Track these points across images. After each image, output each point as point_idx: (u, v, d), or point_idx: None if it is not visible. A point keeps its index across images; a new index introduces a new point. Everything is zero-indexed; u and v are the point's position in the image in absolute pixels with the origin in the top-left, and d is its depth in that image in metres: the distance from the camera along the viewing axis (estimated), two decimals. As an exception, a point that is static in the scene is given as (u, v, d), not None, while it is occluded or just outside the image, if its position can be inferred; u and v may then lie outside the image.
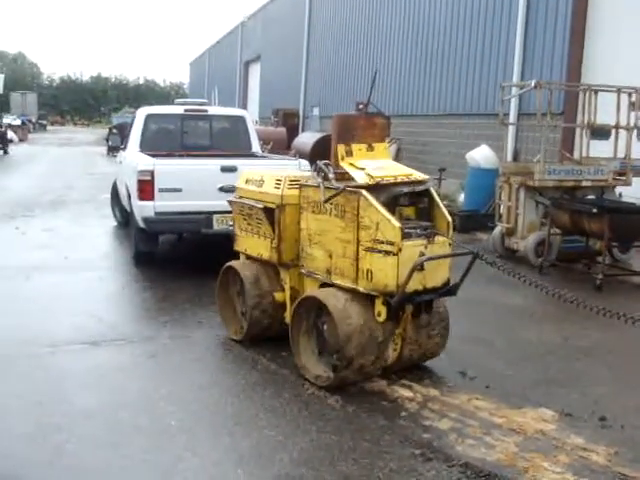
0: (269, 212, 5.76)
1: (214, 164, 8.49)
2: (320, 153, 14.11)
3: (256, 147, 10.48)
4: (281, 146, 20.94)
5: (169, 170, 8.33)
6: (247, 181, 6.22)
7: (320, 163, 5.23)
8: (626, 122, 10.38)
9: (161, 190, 8.19)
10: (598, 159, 10.62)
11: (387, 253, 4.79)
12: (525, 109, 14.27)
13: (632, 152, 10.24)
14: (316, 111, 27.16)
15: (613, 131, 10.81)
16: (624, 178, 10.28)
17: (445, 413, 4.82)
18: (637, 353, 6.24)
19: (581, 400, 5.11)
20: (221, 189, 8.32)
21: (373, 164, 5.29)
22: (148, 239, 8.78)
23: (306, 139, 21.96)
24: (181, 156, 9.38)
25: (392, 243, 4.77)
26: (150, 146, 9.61)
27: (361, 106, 21.95)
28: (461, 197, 14.69)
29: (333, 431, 4.51)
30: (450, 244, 5.17)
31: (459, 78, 17.14)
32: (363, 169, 5.17)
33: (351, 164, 5.26)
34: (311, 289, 5.55)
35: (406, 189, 5.20)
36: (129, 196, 9.12)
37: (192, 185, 8.27)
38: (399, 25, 20.31)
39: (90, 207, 14.48)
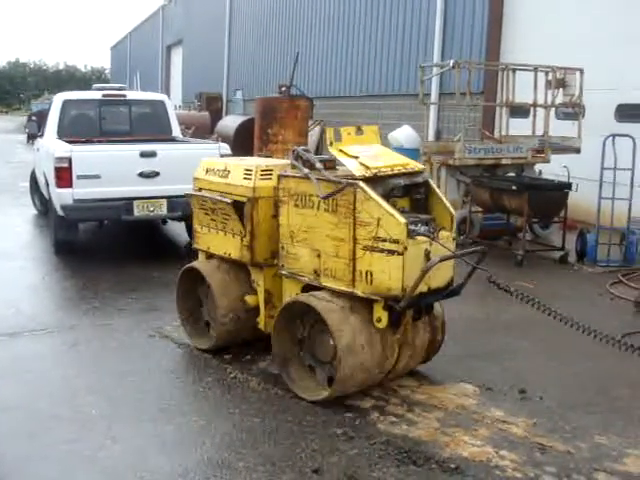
0: (238, 206, 5.16)
1: (133, 149, 8.33)
2: (244, 137, 14.06)
3: (176, 131, 10.33)
4: (205, 130, 20.71)
5: (87, 156, 8.13)
6: (208, 171, 5.55)
7: (299, 149, 4.81)
8: (543, 100, 10.61)
9: (79, 177, 7.98)
10: (517, 137, 10.84)
11: (391, 252, 4.27)
12: (446, 89, 14.46)
13: (550, 130, 10.47)
14: (239, 94, 26.94)
15: (531, 109, 11.05)
16: (543, 155, 10.52)
17: (367, 392, 4.84)
18: (555, 327, 6.38)
19: (501, 374, 5.22)
20: (141, 174, 8.20)
21: (365, 151, 4.76)
22: (68, 227, 8.58)
23: (230, 123, 21.76)
24: (99, 142, 9.16)
25: (397, 241, 4.24)
26: (68, 133, 9.36)
27: (284, 88, 21.97)
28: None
29: (256, 413, 4.50)
30: (454, 239, 4.72)
31: (380, 59, 17.25)
32: (356, 157, 4.63)
33: (341, 151, 4.70)
34: (292, 292, 4.98)
35: (405, 181, 4.71)
36: (47, 184, 8.89)
37: (111, 171, 8.09)
38: (321, 7, 20.29)
39: (9, 196, 14.05)
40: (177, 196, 8.33)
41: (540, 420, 4.50)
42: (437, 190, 4.91)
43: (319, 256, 4.66)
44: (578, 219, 10.55)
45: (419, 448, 4.08)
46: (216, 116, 24.92)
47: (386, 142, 15.30)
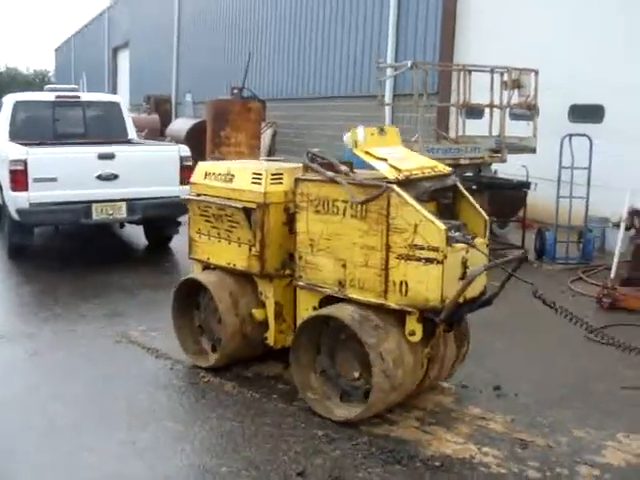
0: (247, 213, 4.82)
1: (90, 152, 8.13)
2: (196, 139, 13.92)
3: (132, 134, 10.14)
4: (155, 133, 20.46)
5: (43, 159, 7.91)
6: (207, 175, 5.16)
7: (314, 151, 4.56)
8: (499, 101, 10.70)
9: (35, 180, 7.76)
10: (474, 138, 10.92)
11: (429, 261, 3.97)
12: (400, 90, 14.50)
13: (506, 130, 10.58)
14: (189, 97, 26.68)
15: (487, 110, 11.15)
16: (499, 155, 10.60)
17: (344, 393, 4.81)
18: (528, 324, 6.44)
19: (476, 372, 5.22)
20: (99, 177, 8.02)
21: (391, 153, 4.47)
22: (23, 232, 8.34)
23: (180, 125, 21.54)
24: (53, 145, 8.93)
25: (436, 249, 3.95)
26: (20, 135, 9.12)
27: (236, 90, 21.75)
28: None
29: (233, 417, 4.41)
30: (487, 245, 4.46)
31: (333, 61, 17.26)
32: (384, 159, 4.34)
33: (367, 152, 4.42)
34: (308, 305, 4.63)
35: (436, 184, 4.45)
36: (1, 188, 8.61)
37: (68, 174, 7.89)
38: (273, 9, 20.21)
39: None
40: (137, 199, 8.21)
41: (518, 416, 4.52)
42: (468, 195, 4.64)
43: (344, 266, 4.33)
44: (536, 218, 10.69)
45: (402, 447, 4.05)
46: (165, 119, 24.66)
47: (339, 143, 15.37)
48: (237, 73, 21.05)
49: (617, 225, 8.22)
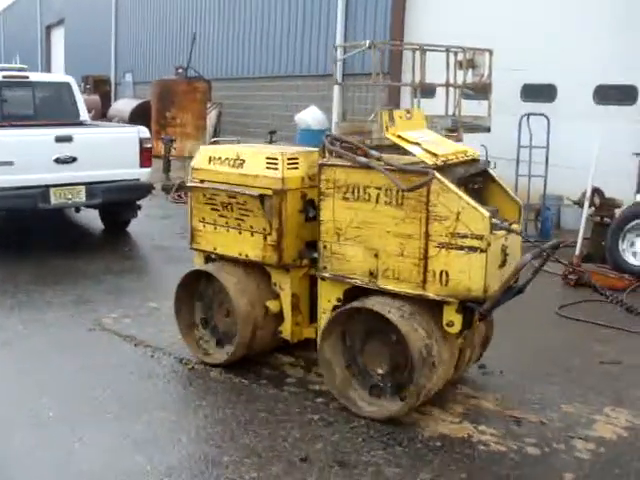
0: (262, 200, 4.57)
1: (47, 134, 7.86)
2: (140, 120, 13.64)
3: (84, 115, 9.85)
4: (96, 115, 19.98)
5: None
6: (212, 160, 4.85)
7: (335, 134, 4.37)
8: (452, 80, 10.76)
9: (-9, 164, 7.47)
10: (430, 117, 10.95)
11: (472, 249, 3.81)
12: (349, 69, 14.47)
13: (462, 109, 10.66)
14: (129, 77, 26.14)
15: (440, 89, 11.21)
16: (456, 134, 10.67)
17: (332, 375, 4.79)
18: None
19: (457, 350, 5.26)
20: (57, 160, 7.77)
21: (422, 137, 4.31)
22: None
23: (123, 106, 21.15)
24: (4, 127, 8.60)
25: (480, 237, 3.79)
26: (-35, 117, 8.76)
27: (180, 70, 21.33)
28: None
29: (225, 405, 4.35)
30: (520, 232, 4.32)
31: (280, 40, 17.10)
32: (418, 144, 4.17)
33: (399, 136, 4.21)
34: (330, 297, 4.43)
35: (471, 169, 4.31)
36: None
37: (25, 157, 7.62)
38: (216, -15, 19.83)
39: None
40: (96, 182, 8.00)
41: (506, 394, 4.59)
42: (500, 180, 4.51)
43: (376, 255, 4.13)
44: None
45: (400, 429, 4.05)
46: (105, 99, 24.11)
47: (288, 123, 15.29)
48: (181, 52, 20.74)
49: (577, 203, 8.38)
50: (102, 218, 9.44)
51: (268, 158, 4.58)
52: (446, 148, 4.30)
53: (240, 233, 4.77)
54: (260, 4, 17.75)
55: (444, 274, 3.92)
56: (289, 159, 4.54)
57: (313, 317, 4.74)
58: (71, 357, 5.13)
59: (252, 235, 4.70)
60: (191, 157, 17.29)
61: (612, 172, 8.86)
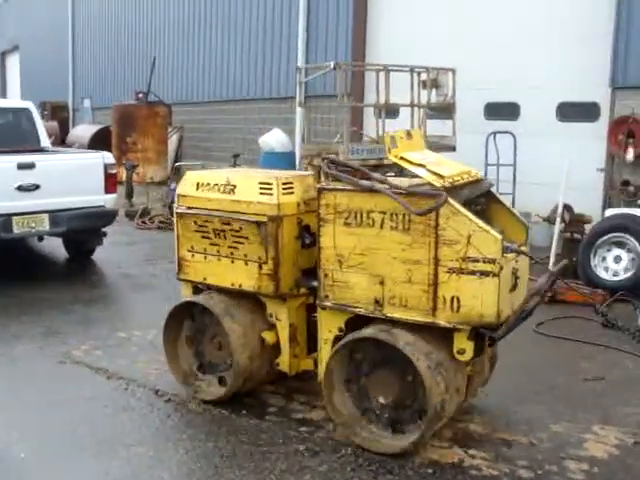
0: (259, 227, 4.40)
1: (9, 161, 7.62)
2: (99, 146, 13.46)
3: (45, 141, 9.60)
4: (55, 141, 19.68)
5: (-42, 170, 7.38)
6: (199, 186, 4.66)
7: (332, 157, 4.22)
8: (416, 101, 10.78)
9: (-50, 193, 7.24)
10: (395, 137, 10.95)
11: (484, 274, 3.67)
12: (311, 92, 14.43)
13: (427, 129, 10.68)
14: (87, 103, 25.80)
15: (403, 109, 11.21)
16: (420, 155, 10.68)
17: (314, 403, 4.66)
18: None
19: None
20: (19, 188, 7.54)
21: (425, 158, 4.17)
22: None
23: (82, 132, 20.88)
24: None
25: (493, 261, 3.64)
26: None
27: (140, 95, 21.06)
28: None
29: (206, 437, 4.19)
30: (530, 255, 4.23)
31: (241, 63, 17.03)
32: (422, 165, 4.02)
33: (402, 158, 4.07)
34: (332, 327, 4.23)
35: (477, 191, 4.19)
36: None
37: (-15, 186, 7.38)
38: (176, 11, 19.71)
39: None
40: (60, 210, 7.79)
41: (494, 415, 4.51)
42: (504, 200, 4.41)
43: (382, 282, 3.95)
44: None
45: (389, 457, 3.93)
46: (63, 125, 23.81)
47: (250, 146, 15.19)
48: (140, 77, 20.55)
49: (546, 220, 8.41)
50: (66, 246, 9.20)
51: (261, 183, 4.41)
52: (450, 169, 4.16)
53: (233, 262, 4.56)
54: (220, 28, 17.68)
55: (455, 300, 3.76)
56: (284, 184, 4.37)
57: (310, 348, 4.59)
58: (42, 392, 4.91)
59: (246, 264, 4.50)
60: (153, 183, 17.01)
61: (577, 188, 8.94)
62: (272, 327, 4.57)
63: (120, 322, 6.49)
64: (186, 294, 4.97)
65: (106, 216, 8.24)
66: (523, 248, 4.04)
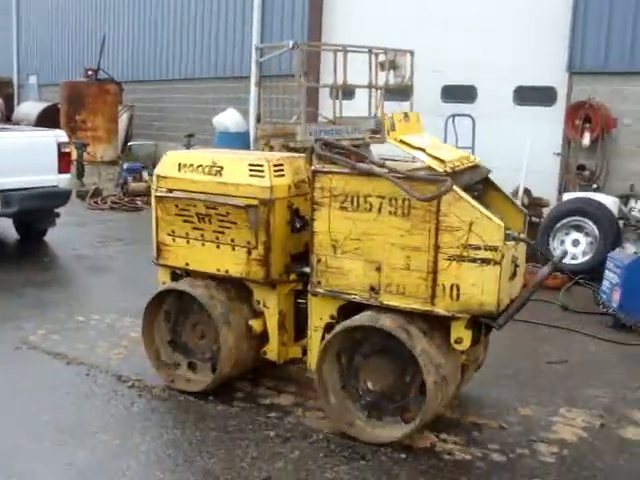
0: (247, 211, 4.21)
1: (-42, 139, 7.36)
2: (47, 124, 13.11)
3: (-7, 119, 9.30)
4: (1, 117, 19.12)
5: None
6: (182, 167, 4.44)
7: (326, 138, 4.13)
8: (373, 82, 10.71)
9: None
10: (353, 118, 10.89)
11: (485, 262, 3.58)
12: (266, 71, 14.25)
13: (385, 111, 10.63)
14: (33, 79, 25.06)
15: (359, 90, 11.14)
16: (379, 136, 10.64)
17: (282, 388, 4.61)
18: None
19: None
20: (-31, 169, 7.28)
21: (424, 141, 4.03)
22: None
23: (28, 110, 20.28)
24: None
25: (495, 248, 3.56)
26: None
27: (90, 72, 20.54)
28: (209, 163, 14.37)
29: (173, 424, 4.10)
30: (532, 243, 4.17)
31: (194, 41, 16.70)
32: (422, 149, 3.89)
33: (402, 141, 3.94)
34: (323, 315, 4.10)
35: (476, 176, 4.09)
36: None
37: None
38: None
39: None
40: (12, 190, 7.54)
41: (462, 400, 4.49)
42: (499, 186, 4.31)
43: (379, 269, 3.83)
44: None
45: (361, 442, 3.90)
46: (9, 102, 23.12)
47: (203, 126, 14.95)
48: (90, 54, 20.02)
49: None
50: (17, 227, 8.93)
51: (252, 164, 4.24)
52: (449, 153, 4.04)
53: (218, 247, 4.38)
54: (173, 5, 17.30)
55: (455, 288, 3.67)
56: (275, 165, 4.22)
57: (297, 335, 4.50)
58: (4, 380, 4.73)
59: (233, 249, 4.33)
60: (104, 162, 16.60)
61: (534, 172, 9.01)
62: (259, 314, 4.43)
63: (77, 305, 6.31)
64: (164, 280, 4.77)
65: (60, 196, 8.01)
66: (522, 236, 3.96)
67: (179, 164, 4.48)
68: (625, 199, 8.51)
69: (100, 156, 16.46)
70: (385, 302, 3.85)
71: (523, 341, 5.69)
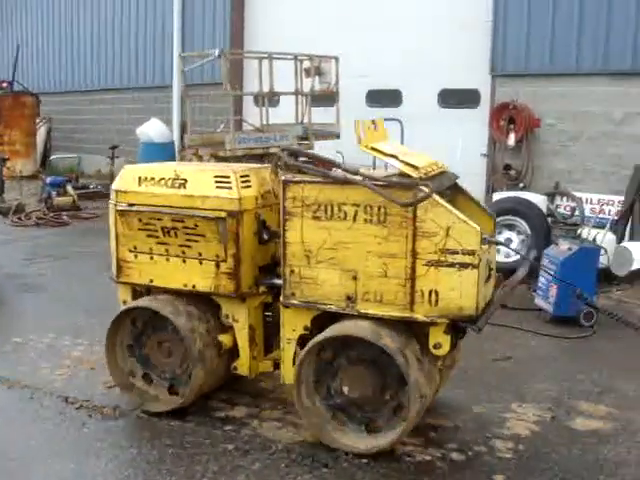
0: (216, 223, 4.14)
1: None
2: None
3: None
4: None
5: None
6: (142, 180, 4.34)
7: (292, 148, 4.14)
8: (298, 89, 10.74)
9: None
10: (280, 126, 10.91)
11: (463, 266, 3.61)
12: (188, 80, 14.11)
13: (305, 117, 10.71)
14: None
15: (287, 97, 11.16)
16: (307, 142, 10.71)
17: (235, 400, 4.56)
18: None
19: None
20: None
21: (394, 148, 4.01)
22: None
23: (-61, 124, 19.50)
24: None
25: (472, 252, 3.59)
26: None
27: (5, 84, 20.02)
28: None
29: (128, 444, 4.00)
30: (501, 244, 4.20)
31: (113, 50, 16.45)
32: (394, 156, 3.86)
33: (374, 148, 3.91)
34: (296, 326, 4.04)
35: (447, 182, 4.09)
36: None
37: None
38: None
39: None
40: None
41: (415, 400, 4.54)
42: (468, 191, 4.35)
43: (355, 278, 3.81)
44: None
45: (320, 450, 3.89)
46: None
47: (124, 137, 14.72)
48: (2, 66, 19.43)
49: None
50: None
51: (217, 176, 4.16)
52: (420, 160, 4.00)
53: (185, 262, 4.28)
54: (90, 13, 16.96)
55: (433, 293, 3.68)
56: (242, 177, 4.15)
57: (266, 349, 4.45)
58: (-64, 408, 4.55)
59: (201, 263, 4.23)
60: (23, 177, 16.09)
61: (462, 172, 9.15)
62: (227, 329, 4.35)
63: (12, 326, 6.11)
64: (124, 298, 4.62)
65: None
66: (496, 239, 4.01)
67: (139, 177, 4.37)
68: (551, 197, 8.79)
69: (19, 170, 15.93)
70: (362, 310, 3.83)
71: (467, 339, 5.74)
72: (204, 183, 4.19)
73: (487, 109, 9.87)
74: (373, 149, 3.90)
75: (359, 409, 3.91)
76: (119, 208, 4.41)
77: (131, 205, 4.36)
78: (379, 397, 3.86)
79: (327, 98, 11.52)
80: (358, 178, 3.76)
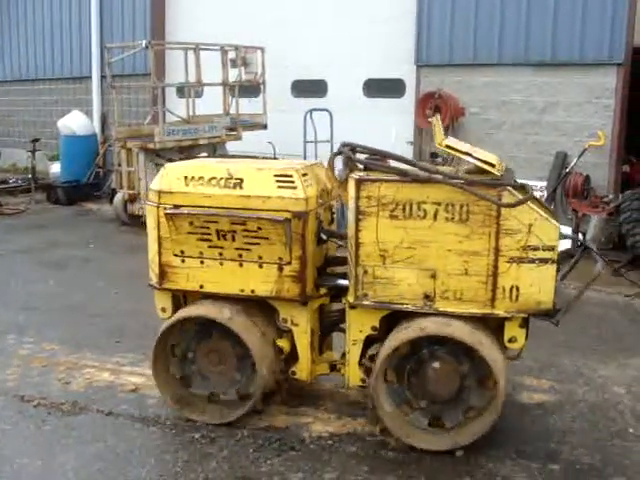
0: (283, 225, 3.90)
1: None
2: None
3: None
4: None
5: None
6: (188, 180, 4.06)
7: (354, 144, 3.90)
8: (223, 80, 10.75)
9: None
10: (207, 116, 10.91)
11: (543, 261, 3.67)
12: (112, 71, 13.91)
13: (231, 108, 10.75)
14: None
15: (211, 89, 11.16)
16: (235, 133, 10.77)
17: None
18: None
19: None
20: None
21: (465, 146, 3.91)
22: None
23: None
24: None
25: (552, 248, 3.65)
26: None
27: None
28: (53, 168, 13.81)
29: (94, 438, 4.01)
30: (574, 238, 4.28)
31: (25, 40, 15.98)
32: (469, 154, 3.81)
33: (449, 146, 3.83)
34: (364, 327, 3.97)
35: (514, 177, 4.05)
36: None
37: None
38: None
39: None
40: None
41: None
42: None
43: (433, 276, 3.79)
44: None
45: (287, 434, 4.04)
46: None
47: (42, 130, 14.37)
48: None
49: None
50: None
51: (278, 175, 3.96)
52: (489, 157, 3.90)
53: (241, 265, 4.08)
54: (7, 6, 16.40)
55: (514, 289, 3.74)
56: (304, 175, 3.98)
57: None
58: None
59: (261, 267, 4.04)
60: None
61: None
62: (284, 333, 4.22)
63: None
64: (163, 305, 4.35)
65: None
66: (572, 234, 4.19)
67: (185, 177, 4.10)
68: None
69: None
70: (441, 309, 3.83)
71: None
72: (264, 182, 3.98)
73: (412, 98, 10.12)
74: (448, 146, 3.86)
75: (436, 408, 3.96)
76: (167, 211, 4.09)
77: (177, 207, 4.08)
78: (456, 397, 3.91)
79: (252, 89, 11.58)
80: (439, 177, 3.72)
